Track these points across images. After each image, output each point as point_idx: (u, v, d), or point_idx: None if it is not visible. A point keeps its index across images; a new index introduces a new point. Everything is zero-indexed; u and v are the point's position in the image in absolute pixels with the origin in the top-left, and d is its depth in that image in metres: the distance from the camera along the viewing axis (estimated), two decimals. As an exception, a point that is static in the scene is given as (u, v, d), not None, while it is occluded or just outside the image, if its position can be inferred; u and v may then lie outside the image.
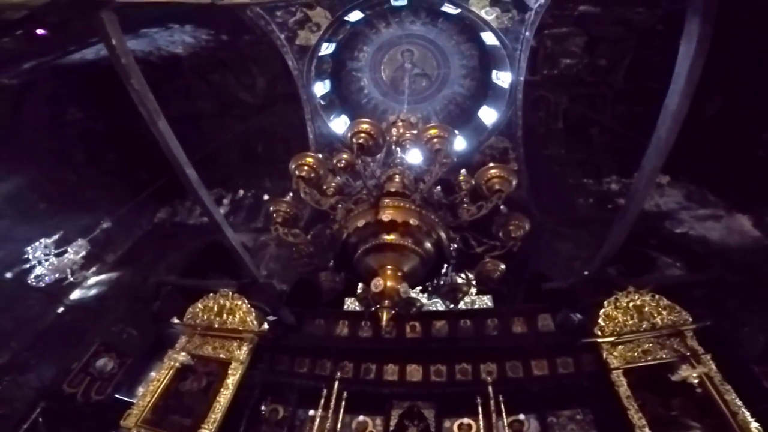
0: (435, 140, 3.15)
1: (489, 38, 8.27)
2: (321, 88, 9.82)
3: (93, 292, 7.43)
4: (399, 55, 10.48)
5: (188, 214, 9.24)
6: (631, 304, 5.25)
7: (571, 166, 8.40)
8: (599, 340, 5.14)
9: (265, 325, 6.17)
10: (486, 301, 8.16)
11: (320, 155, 3.43)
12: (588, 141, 8.36)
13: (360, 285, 4.47)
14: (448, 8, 8.03)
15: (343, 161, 3.83)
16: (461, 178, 4.00)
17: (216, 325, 6.08)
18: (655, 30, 6.82)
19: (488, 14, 7.42)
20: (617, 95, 7.81)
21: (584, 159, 8.34)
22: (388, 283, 2.92)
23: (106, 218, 6.62)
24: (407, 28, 9.82)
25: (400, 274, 3.07)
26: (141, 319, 6.98)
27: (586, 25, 7.10)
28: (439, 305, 8.03)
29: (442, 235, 3.29)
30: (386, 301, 2.85)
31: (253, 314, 6.13)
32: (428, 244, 3.24)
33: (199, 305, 6.34)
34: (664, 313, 5.10)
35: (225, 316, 6.13)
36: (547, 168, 8.54)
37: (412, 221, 3.13)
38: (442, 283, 3.87)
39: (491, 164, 3.26)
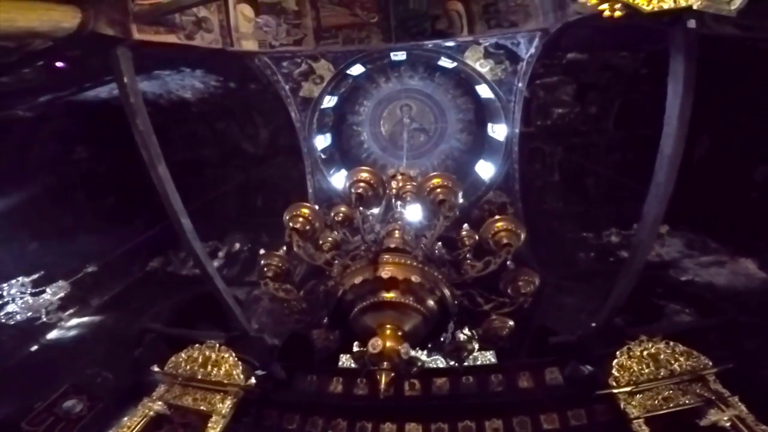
0: (438, 191, 2.91)
1: (484, 91, 8.37)
2: (322, 141, 9.79)
3: (72, 333, 7.01)
4: (398, 110, 10.62)
5: (181, 265, 8.86)
6: (645, 352, 4.99)
7: (570, 219, 8.21)
8: (615, 390, 4.84)
9: (253, 380, 5.70)
10: (489, 357, 7.62)
11: (317, 206, 3.20)
12: (584, 193, 8.22)
13: (356, 343, 4.13)
14: (445, 62, 8.19)
15: (341, 215, 3.61)
16: (464, 233, 3.77)
17: (199, 376, 5.62)
18: (639, 74, 6.86)
19: (482, 67, 7.54)
20: (610, 143, 7.80)
21: (582, 212, 8.16)
22: (388, 344, 2.58)
23: (93, 263, 6.33)
24: (406, 82, 10.02)
25: (400, 333, 2.73)
26: (119, 364, 6.54)
27: (575, 73, 7.17)
28: (440, 362, 7.50)
29: (446, 292, 2.97)
30: (385, 363, 2.51)
31: (240, 368, 5.68)
32: (431, 302, 2.91)
33: (183, 355, 5.90)
34: (682, 359, 4.85)
35: (209, 367, 5.71)
36: (547, 222, 8.32)
37: (414, 278, 2.82)
38: (444, 341, 3.54)
39: (497, 217, 3.03)
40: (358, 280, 2.88)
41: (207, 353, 5.85)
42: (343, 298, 3.02)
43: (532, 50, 6.74)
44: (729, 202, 6.73)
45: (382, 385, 2.51)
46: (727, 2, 3.24)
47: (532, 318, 7.15)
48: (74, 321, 7.17)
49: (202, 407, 5.33)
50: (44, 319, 5.52)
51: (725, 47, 5.23)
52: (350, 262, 3.13)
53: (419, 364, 3.21)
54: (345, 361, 7.69)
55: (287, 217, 3.09)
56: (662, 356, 4.91)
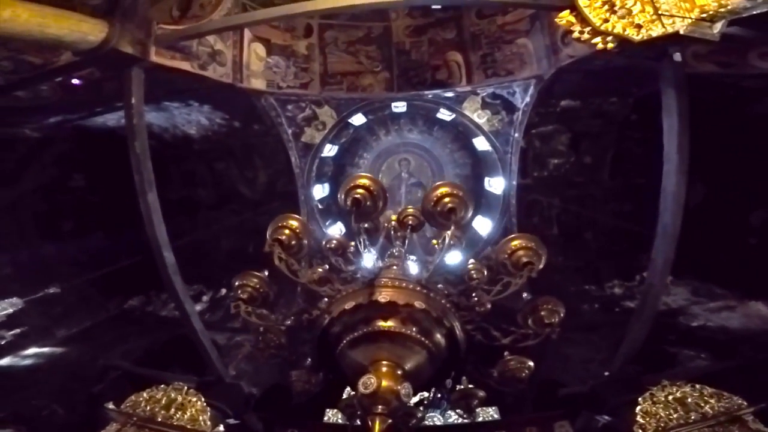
0: (447, 200, 2.43)
1: (481, 143, 8.22)
2: (320, 190, 9.37)
3: (26, 362, 6.22)
4: (396, 164, 10.38)
5: (162, 306, 8.05)
6: (670, 396, 4.34)
7: (570, 273, 7.64)
8: (643, 439, 4.15)
9: (221, 427, 4.92)
10: (491, 413, 6.60)
11: (305, 221, 2.71)
12: (584, 246, 7.73)
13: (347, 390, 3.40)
14: (443, 114, 8.10)
15: (334, 242, 3.13)
16: (471, 266, 3.28)
17: (159, 419, 4.73)
18: (629, 120, 6.69)
19: (480, 117, 7.39)
20: (606, 194, 7.44)
21: (582, 265, 7.61)
22: (384, 383, 1.94)
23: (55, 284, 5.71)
24: (405, 136, 9.92)
25: (400, 372, 2.09)
26: (73, 399, 5.72)
27: (569, 121, 7.02)
28: (437, 419, 6.47)
29: (456, 324, 2.36)
30: (380, 407, 1.87)
31: (208, 414, 4.84)
32: (438, 336, 2.30)
33: (145, 395, 5.01)
34: (712, 401, 4.21)
35: (173, 410, 4.83)
36: (548, 276, 7.67)
37: (418, 304, 2.25)
38: (446, 389, 2.84)
39: (512, 235, 2.53)
40: (349, 305, 2.30)
41: (172, 395, 4.94)
42: (329, 329, 2.40)
43: (527, 99, 6.65)
44: (728, 248, 6.32)
45: (376, 435, 1.83)
46: (710, 27, 3.22)
47: (536, 371, 6.39)
48: (32, 350, 6.32)
49: (154, 453, 4.36)
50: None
51: (709, 87, 5.16)
52: (341, 287, 2.55)
53: (419, 415, 2.57)
54: (331, 416, 6.63)
55: (271, 229, 2.57)
56: (690, 399, 4.25)
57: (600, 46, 3.51)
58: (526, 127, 7.05)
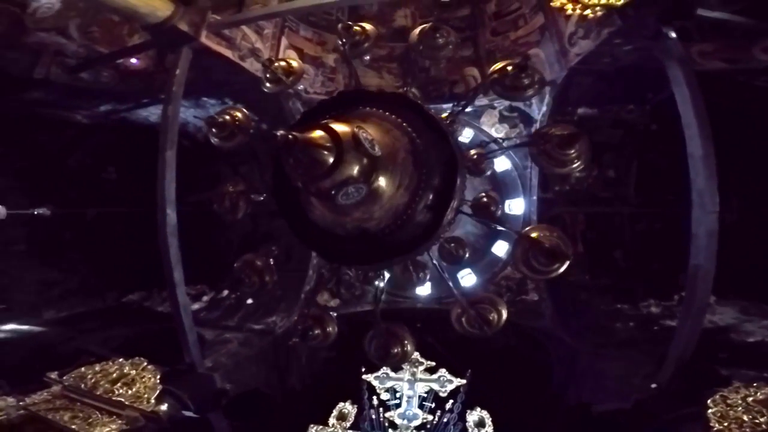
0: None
1: (500, 163, 8.21)
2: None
3: None
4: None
5: (161, 303, 7.81)
6: (749, 398, 3.57)
7: (599, 291, 6.93)
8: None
9: (164, 407, 4.16)
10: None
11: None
12: (613, 265, 7.09)
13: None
14: (463, 137, 8.25)
15: None
16: None
17: (99, 392, 4.18)
18: (650, 130, 6.57)
19: (498, 132, 7.55)
20: (633, 211, 7.00)
21: (612, 284, 6.91)
22: (339, 125, 1.66)
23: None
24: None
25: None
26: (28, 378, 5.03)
27: (588, 131, 6.86)
28: None
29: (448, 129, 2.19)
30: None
31: (157, 392, 4.27)
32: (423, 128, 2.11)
33: (97, 367, 4.56)
34: None
35: (119, 385, 4.32)
36: (573, 294, 7.02)
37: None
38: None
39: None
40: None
41: (126, 369, 4.52)
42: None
43: (544, 108, 6.78)
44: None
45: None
46: None
47: (564, 395, 5.38)
48: (9, 326, 6.06)
49: (73, 427, 3.80)
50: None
51: (723, 91, 5.18)
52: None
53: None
54: (315, 432, 5.63)
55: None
56: (776, 402, 3.41)
57: (590, 15, 4.14)
58: (544, 138, 7.09)
